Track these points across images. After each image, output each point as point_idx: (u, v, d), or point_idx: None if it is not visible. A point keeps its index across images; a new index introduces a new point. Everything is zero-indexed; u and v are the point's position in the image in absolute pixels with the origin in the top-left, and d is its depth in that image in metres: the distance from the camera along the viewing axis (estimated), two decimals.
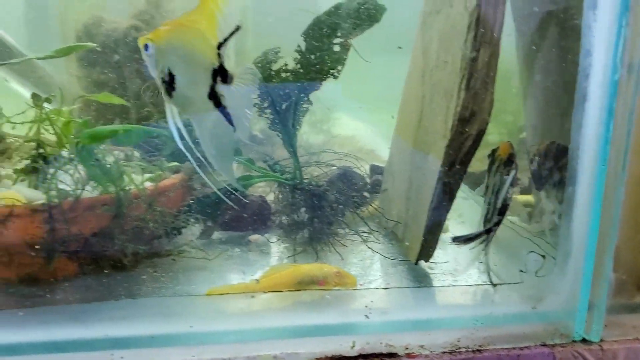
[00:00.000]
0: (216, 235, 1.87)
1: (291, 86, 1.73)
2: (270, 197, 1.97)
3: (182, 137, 1.27)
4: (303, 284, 1.47)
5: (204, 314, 1.41)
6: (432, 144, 1.56)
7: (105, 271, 1.50)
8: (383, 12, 1.69)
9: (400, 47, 1.85)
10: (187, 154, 1.28)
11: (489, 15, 1.40)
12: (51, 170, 1.46)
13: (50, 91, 1.68)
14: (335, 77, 1.72)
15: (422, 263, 1.64)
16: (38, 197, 1.46)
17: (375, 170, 2.22)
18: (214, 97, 1.25)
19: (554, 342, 1.32)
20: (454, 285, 1.56)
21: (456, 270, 1.64)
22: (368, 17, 1.68)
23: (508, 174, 1.46)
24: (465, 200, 2.04)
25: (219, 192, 1.51)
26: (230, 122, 1.26)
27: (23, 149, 1.70)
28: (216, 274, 1.64)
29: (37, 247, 1.39)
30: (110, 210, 1.45)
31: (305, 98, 1.76)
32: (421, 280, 1.59)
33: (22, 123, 1.55)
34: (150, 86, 2.01)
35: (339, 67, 1.71)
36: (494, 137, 2.35)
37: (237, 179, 1.72)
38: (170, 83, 1.24)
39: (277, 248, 1.83)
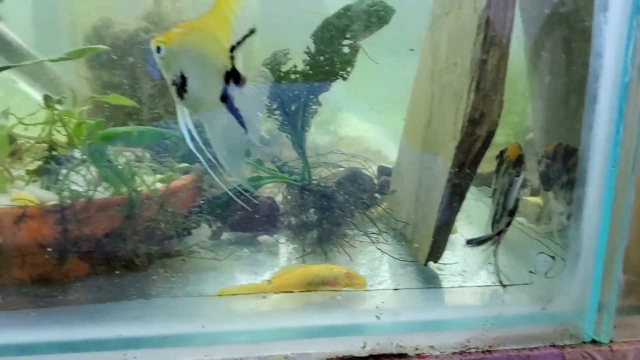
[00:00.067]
0: (225, 235, 1.88)
1: (300, 87, 1.74)
2: (278, 198, 1.98)
3: (192, 139, 1.28)
4: (313, 285, 1.48)
5: (215, 314, 1.42)
6: (441, 145, 1.57)
7: (117, 272, 1.51)
8: (392, 13, 1.70)
9: (412, 50, 1.85)
10: (198, 155, 1.28)
11: (499, 17, 1.40)
12: (63, 171, 1.47)
13: (59, 92, 1.69)
14: (344, 79, 1.73)
15: (431, 264, 1.65)
16: (50, 198, 1.47)
17: (383, 171, 2.23)
18: (226, 99, 1.26)
19: (564, 343, 1.33)
20: (464, 286, 1.56)
21: (468, 271, 1.64)
22: (377, 18, 1.69)
23: (518, 175, 1.47)
24: (472, 201, 2.05)
25: (230, 193, 1.52)
26: (242, 124, 1.27)
27: (34, 150, 1.72)
28: (226, 274, 1.65)
29: (49, 247, 1.40)
30: (122, 211, 1.46)
31: (315, 99, 1.76)
32: (430, 281, 1.60)
33: (34, 124, 1.56)
34: (157, 86, 2.03)
35: (348, 69, 1.72)
36: (500, 138, 2.34)
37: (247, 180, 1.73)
38: (182, 85, 1.25)
39: (286, 249, 1.84)
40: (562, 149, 1.69)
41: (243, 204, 1.65)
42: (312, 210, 1.81)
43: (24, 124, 1.57)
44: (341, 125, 2.97)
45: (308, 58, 1.72)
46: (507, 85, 1.46)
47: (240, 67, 1.25)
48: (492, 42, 1.40)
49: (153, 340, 1.25)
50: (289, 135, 1.81)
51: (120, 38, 2.18)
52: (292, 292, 1.47)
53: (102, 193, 1.49)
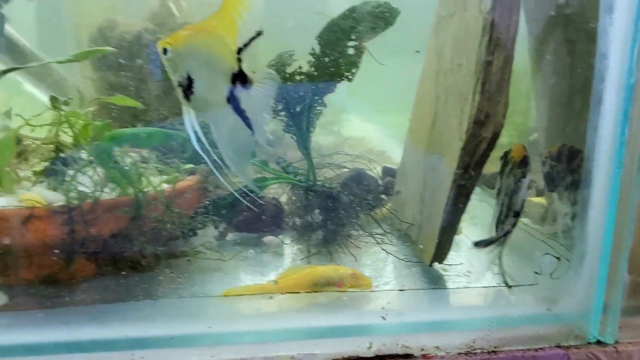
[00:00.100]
0: (230, 236, 1.89)
1: (305, 89, 1.74)
2: (282, 199, 1.99)
3: (198, 140, 1.28)
4: (319, 286, 1.49)
5: (221, 314, 1.43)
6: (446, 146, 1.57)
7: (123, 272, 1.51)
8: (397, 15, 1.70)
9: (418, 51, 1.86)
10: (204, 157, 1.29)
11: (504, 19, 1.40)
12: (70, 172, 1.48)
13: (64, 93, 1.69)
14: (349, 80, 1.73)
15: (436, 265, 1.65)
16: (57, 198, 1.48)
17: (387, 172, 2.23)
18: (233, 101, 1.26)
19: (569, 343, 1.33)
20: (469, 287, 1.57)
21: (474, 273, 1.65)
22: (382, 20, 1.69)
23: (524, 177, 1.47)
24: (476, 202, 2.05)
25: (236, 194, 1.53)
26: (248, 125, 1.28)
27: (39, 151, 1.73)
28: (231, 275, 1.65)
29: (57, 248, 1.41)
30: (129, 212, 1.47)
31: (320, 100, 1.77)
32: (435, 282, 1.60)
33: (41, 126, 1.57)
34: (162, 87, 2.04)
35: (353, 70, 1.72)
36: (503, 138, 2.34)
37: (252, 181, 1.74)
38: (188, 87, 1.25)
39: (290, 250, 1.84)
40: (566, 150, 1.69)
41: (249, 205, 1.66)
42: (317, 211, 1.82)
43: (30, 125, 1.57)
44: (344, 126, 2.97)
45: (313, 59, 1.72)
46: (511, 85, 1.46)
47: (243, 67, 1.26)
48: (497, 43, 1.40)
49: (160, 341, 1.26)
50: (294, 136, 1.81)
51: (125, 39, 2.18)
52: (298, 292, 1.48)
53: (108, 194, 1.50)
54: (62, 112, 1.59)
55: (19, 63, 2.06)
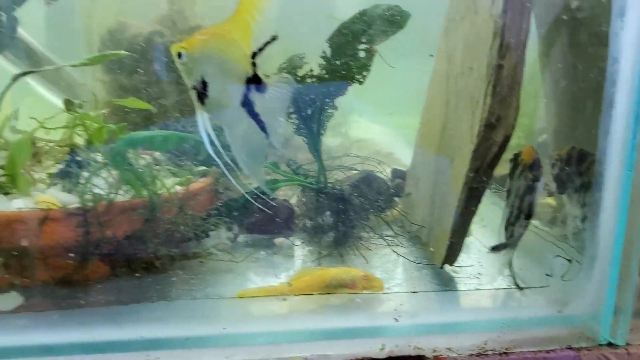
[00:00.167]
0: (242, 238, 1.90)
1: (316, 91, 1.75)
2: (292, 201, 2.00)
3: (212, 143, 1.29)
4: (331, 287, 1.50)
5: (235, 316, 1.44)
6: (457, 149, 1.58)
7: (137, 274, 1.52)
8: (408, 18, 1.71)
9: (431, 55, 1.87)
10: (217, 160, 1.30)
11: (515, 23, 1.41)
12: (85, 174, 1.49)
13: (75, 95, 1.71)
14: (360, 83, 1.74)
15: (447, 267, 1.66)
16: (72, 201, 1.49)
17: (396, 174, 2.24)
18: (247, 105, 1.27)
19: (580, 345, 1.34)
20: (480, 289, 1.58)
21: (487, 275, 1.66)
22: (393, 23, 1.70)
23: (537, 179, 1.48)
24: (484, 204, 2.05)
25: (248, 196, 1.54)
26: (263, 129, 1.29)
27: (53, 153, 1.74)
28: (243, 276, 1.66)
29: (72, 250, 1.43)
30: (143, 214, 1.48)
31: (331, 103, 1.78)
32: (446, 284, 1.61)
33: (56, 128, 1.59)
34: (172, 89, 2.05)
35: (364, 73, 1.73)
36: (512, 140, 2.35)
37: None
38: (203, 90, 1.27)
39: (301, 251, 1.85)
40: (575, 152, 1.70)
41: (261, 207, 1.67)
42: (327, 212, 1.82)
43: (45, 127, 1.59)
44: (351, 127, 2.98)
45: (324, 62, 1.73)
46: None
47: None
48: (508, 47, 1.41)
49: (175, 342, 1.28)
50: (305, 139, 1.82)
51: (136, 42, 2.20)
52: (312, 294, 1.49)
53: (122, 196, 1.51)
54: (76, 115, 1.61)
55: (30, 65, 2.07)
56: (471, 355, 1.29)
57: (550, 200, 2.04)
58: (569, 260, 1.53)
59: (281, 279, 1.61)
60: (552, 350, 1.32)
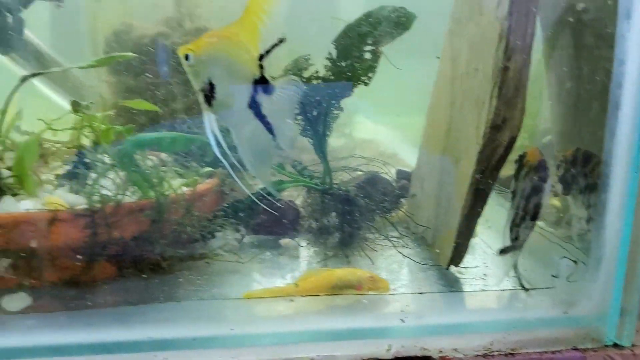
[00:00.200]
0: (247, 238, 1.90)
1: (322, 93, 1.76)
2: (297, 202, 2.00)
3: (219, 145, 1.30)
4: (337, 288, 1.50)
5: (242, 317, 1.45)
6: (463, 150, 1.59)
7: (144, 274, 1.53)
8: (413, 20, 1.72)
9: (438, 57, 1.87)
10: (224, 162, 1.31)
11: (521, 25, 1.41)
12: (92, 175, 1.50)
13: (80, 96, 1.72)
14: (366, 84, 1.75)
15: (452, 268, 1.66)
16: (79, 202, 1.50)
17: (401, 175, 2.24)
18: (254, 106, 1.28)
19: (586, 346, 1.34)
20: (486, 290, 1.58)
21: (493, 277, 1.66)
22: (398, 25, 1.70)
23: (543, 180, 1.48)
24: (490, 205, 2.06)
25: (254, 198, 1.55)
26: (270, 130, 1.30)
27: (59, 154, 1.75)
28: (249, 277, 1.67)
29: (80, 251, 1.43)
30: (151, 215, 1.49)
31: (336, 104, 1.78)
32: (452, 285, 1.62)
33: (63, 130, 1.59)
34: (178, 89, 2.06)
35: (370, 75, 1.74)
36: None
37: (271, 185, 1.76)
38: (210, 92, 1.27)
39: (307, 252, 1.86)
40: (580, 154, 1.70)
41: (267, 208, 1.68)
42: (333, 214, 1.83)
43: (52, 129, 1.60)
44: (355, 128, 2.98)
45: (330, 64, 1.74)
46: None
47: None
48: (514, 49, 1.41)
49: (182, 342, 1.28)
50: (310, 140, 1.83)
51: (141, 43, 2.21)
52: (319, 295, 1.49)
53: (129, 197, 1.52)
54: (83, 116, 1.62)
55: (37, 67, 2.08)
56: (477, 356, 1.30)
57: (555, 202, 2.04)
58: (575, 262, 1.54)
59: (287, 280, 1.62)
60: (557, 351, 1.32)
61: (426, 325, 1.38)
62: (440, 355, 1.29)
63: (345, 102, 1.82)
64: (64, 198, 1.50)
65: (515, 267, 1.55)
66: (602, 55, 1.63)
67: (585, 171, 1.67)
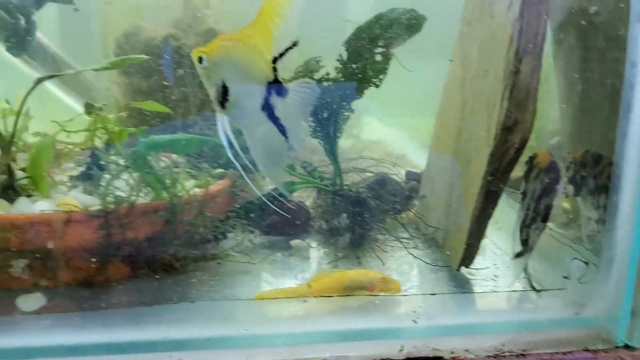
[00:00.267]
0: (258, 239, 1.91)
1: (333, 94, 1.76)
2: (307, 203, 2.01)
3: (232, 147, 1.31)
4: (349, 289, 1.51)
5: (255, 317, 1.46)
6: (474, 152, 1.59)
7: (157, 275, 1.54)
8: (424, 22, 1.72)
9: (451, 60, 1.87)
10: (236, 164, 1.32)
11: (531, 27, 1.42)
12: (107, 177, 1.51)
13: (92, 98, 1.73)
14: (377, 86, 1.75)
15: (462, 269, 1.67)
16: (92, 203, 1.51)
17: (410, 176, 2.24)
18: (267, 109, 1.29)
19: (597, 347, 1.35)
20: (497, 291, 1.59)
21: (502, 276, 1.67)
22: (409, 27, 1.71)
23: (555, 182, 1.49)
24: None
25: (265, 199, 1.56)
26: (283, 132, 1.30)
27: (71, 156, 1.77)
28: (260, 277, 1.68)
29: (94, 251, 1.45)
30: (164, 216, 1.50)
31: (347, 106, 1.79)
32: (462, 286, 1.62)
33: (77, 131, 1.61)
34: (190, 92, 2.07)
35: (381, 76, 1.74)
36: None
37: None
38: (223, 95, 1.28)
39: (317, 253, 1.86)
40: (590, 155, 1.71)
41: (278, 210, 1.68)
42: (344, 215, 1.83)
43: (66, 131, 1.61)
44: (363, 129, 2.98)
45: (340, 65, 1.75)
46: None
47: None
48: (525, 51, 1.42)
49: (196, 343, 1.30)
50: (321, 142, 1.84)
51: (151, 44, 2.22)
52: (331, 296, 1.50)
53: (143, 198, 1.53)
54: (96, 118, 1.63)
55: (48, 69, 2.10)
56: (488, 356, 1.31)
57: (565, 203, 2.05)
58: (586, 263, 1.54)
59: (298, 281, 1.63)
60: (569, 352, 1.33)
61: (438, 326, 1.39)
62: (452, 355, 1.30)
63: (354, 104, 1.82)
64: (78, 199, 1.52)
65: (525, 269, 1.56)
66: (613, 57, 1.63)
67: (595, 172, 1.67)
